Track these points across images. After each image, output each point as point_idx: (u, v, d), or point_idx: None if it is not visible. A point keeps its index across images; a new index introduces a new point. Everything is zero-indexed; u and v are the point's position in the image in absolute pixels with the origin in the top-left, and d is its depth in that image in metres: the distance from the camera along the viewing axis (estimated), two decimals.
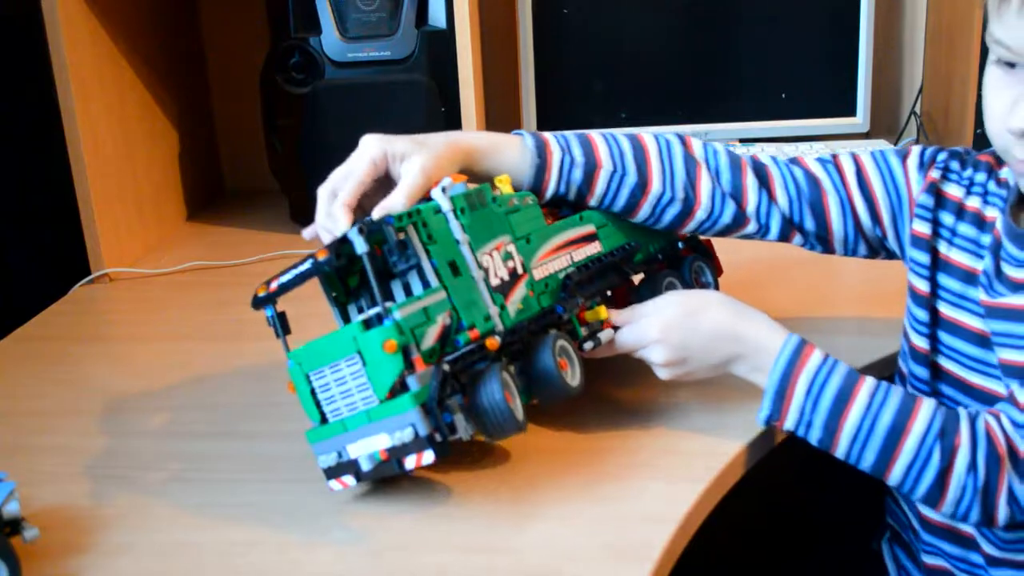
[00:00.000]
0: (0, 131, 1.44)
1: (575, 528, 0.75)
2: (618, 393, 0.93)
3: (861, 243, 0.94)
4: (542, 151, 0.90)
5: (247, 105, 1.58)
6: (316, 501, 0.79)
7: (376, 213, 0.80)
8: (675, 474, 0.80)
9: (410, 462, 0.73)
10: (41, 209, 1.48)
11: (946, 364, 0.87)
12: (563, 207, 0.92)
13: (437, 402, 0.71)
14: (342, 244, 0.74)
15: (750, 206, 0.93)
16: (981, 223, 0.86)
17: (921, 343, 0.88)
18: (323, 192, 0.84)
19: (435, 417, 0.71)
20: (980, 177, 0.88)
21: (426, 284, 0.76)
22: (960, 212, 0.87)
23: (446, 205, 0.80)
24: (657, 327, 0.84)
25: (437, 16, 1.39)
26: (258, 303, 0.78)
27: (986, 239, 0.85)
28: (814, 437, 0.80)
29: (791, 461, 0.95)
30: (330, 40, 1.38)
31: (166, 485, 0.83)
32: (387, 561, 0.72)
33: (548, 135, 0.92)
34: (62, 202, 1.31)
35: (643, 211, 0.93)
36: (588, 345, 0.85)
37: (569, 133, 0.92)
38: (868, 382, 0.79)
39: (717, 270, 1.03)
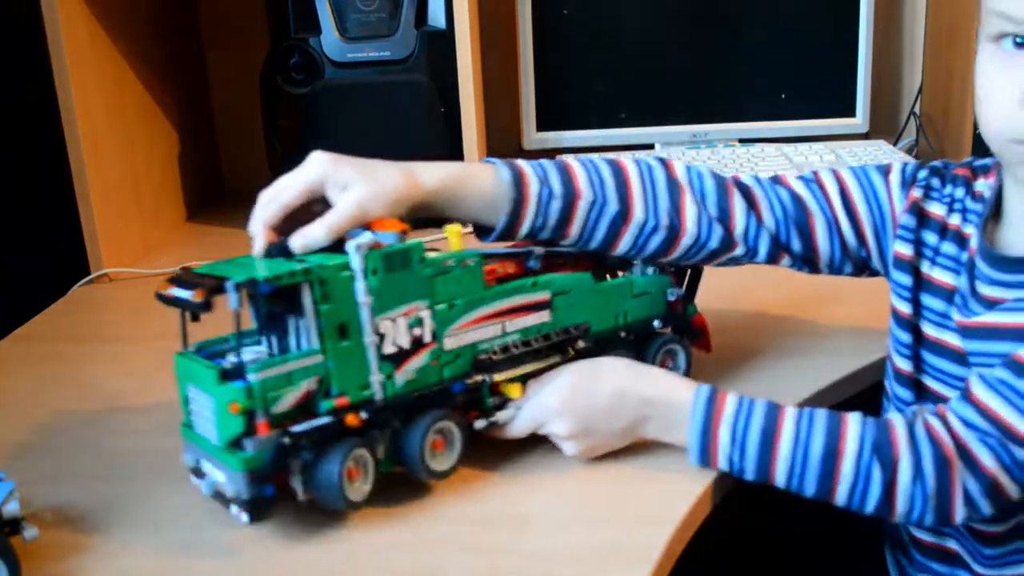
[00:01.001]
0: (0, 131, 1.44)
1: (574, 529, 0.75)
2: None
3: (847, 263, 0.93)
4: (518, 183, 0.83)
5: (247, 105, 1.58)
6: None
7: (294, 240, 0.77)
8: (674, 475, 0.80)
9: (233, 510, 0.72)
10: (41, 209, 1.48)
11: (931, 384, 0.86)
12: (530, 258, 0.86)
13: (268, 472, 0.71)
14: (216, 291, 0.70)
15: (738, 229, 0.89)
16: (961, 241, 0.85)
17: (904, 365, 0.87)
18: (260, 199, 0.81)
19: (258, 488, 0.71)
20: (959, 193, 0.86)
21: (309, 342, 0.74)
22: (943, 231, 0.86)
23: (356, 264, 0.74)
24: (556, 398, 0.80)
25: (437, 16, 1.39)
26: (160, 299, 0.75)
27: (965, 257, 0.84)
28: (749, 477, 0.78)
29: None
30: (330, 40, 1.38)
31: (165, 485, 0.83)
32: (387, 559, 0.72)
33: (523, 164, 0.85)
34: (62, 202, 1.31)
35: (624, 242, 0.87)
36: (479, 423, 0.81)
37: (545, 161, 0.87)
38: (790, 413, 0.77)
39: (706, 347, 0.94)
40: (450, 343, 0.79)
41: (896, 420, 0.76)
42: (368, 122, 1.39)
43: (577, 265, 0.89)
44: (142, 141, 1.44)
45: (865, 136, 1.64)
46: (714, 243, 0.89)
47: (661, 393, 0.80)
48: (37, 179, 1.48)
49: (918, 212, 0.87)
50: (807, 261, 0.93)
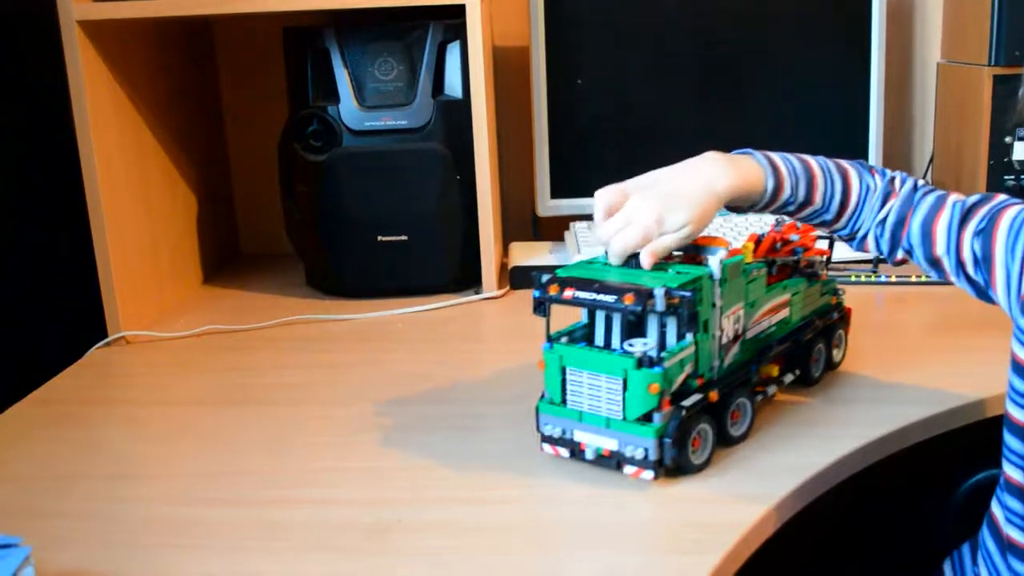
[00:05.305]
0: (23, 192, 1.46)
1: (611, 549, 0.75)
2: None
3: (969, 289, 0.95)
4: (775, 194, 0.98)
5: (265, 171, 1.60)
6: (326, 572, 0.79)
7: (647, 255, 0.91)
8: (720, 506, 0.83)
9: (628, 470, 0.88)
10: (58, 271, 1.50)
11: None
12: (796, 270, 1.04)
13: (672, 437, 0.86)
14: (648, 298, 0.84)
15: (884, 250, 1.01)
16: None
17: (1019, 415, 0.83)
18: (602, 206, 0.99)
19: (664, 449, 0.86)
20: None
21: (680, 336, 0.89)
22: None
23: (718, 275, 0.91)
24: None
25: (453, 86, 1.42)
26: (544, 299, 0.89)
27: None
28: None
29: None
30: (348, 109, 1.40)
31: (179, 552, 0.83)
32: (392, 542, 0.72)
33: (784, 172, 0.99)
34: (80, 264, 1.32)
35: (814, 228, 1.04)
36: (759, 398, 0.98)
37: (799, 166, 1.00)
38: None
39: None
40: (748, 334, 0.97)
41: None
42: (385, 189, 1.41)
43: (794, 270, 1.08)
44: (161, 205, 1.46)
45: None
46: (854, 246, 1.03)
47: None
48: (57, 241, 1.50)
49: None
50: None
